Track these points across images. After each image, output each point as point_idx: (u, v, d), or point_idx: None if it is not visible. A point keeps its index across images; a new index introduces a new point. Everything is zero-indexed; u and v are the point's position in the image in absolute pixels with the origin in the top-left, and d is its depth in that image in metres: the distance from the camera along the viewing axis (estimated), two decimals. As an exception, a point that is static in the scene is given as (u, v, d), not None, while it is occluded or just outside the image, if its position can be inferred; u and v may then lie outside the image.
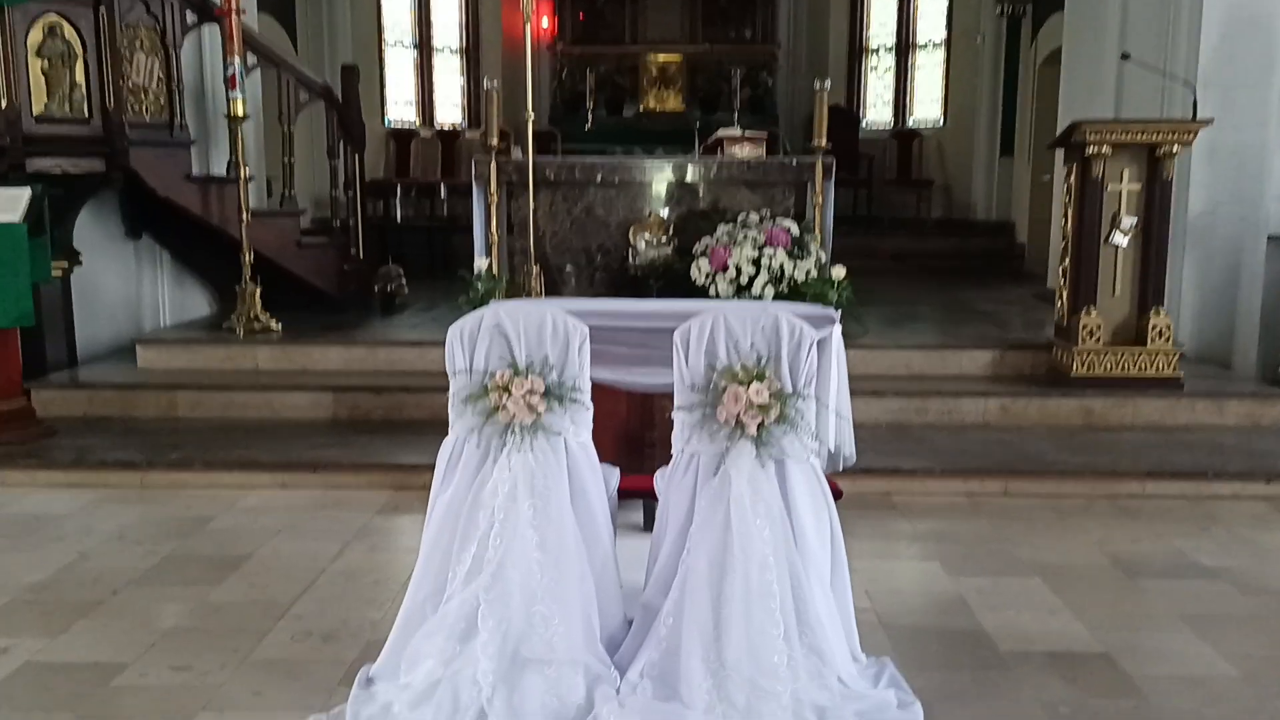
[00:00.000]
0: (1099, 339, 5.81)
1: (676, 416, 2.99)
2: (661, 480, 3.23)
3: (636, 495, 4.08)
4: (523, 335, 2.92)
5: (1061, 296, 6.06)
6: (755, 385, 2.82)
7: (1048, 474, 5.01)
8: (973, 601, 3.73)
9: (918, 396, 5.81)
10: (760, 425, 2.84)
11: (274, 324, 6.76)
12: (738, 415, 2.83)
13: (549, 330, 2.93)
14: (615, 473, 3.34)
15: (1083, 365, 5.80)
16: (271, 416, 5.85)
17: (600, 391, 3.10)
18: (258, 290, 6.78)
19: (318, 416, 5.85)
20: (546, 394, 2.89)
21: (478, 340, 2.94)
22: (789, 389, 2.90)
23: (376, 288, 7.82)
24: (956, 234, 11.62)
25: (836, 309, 4.57)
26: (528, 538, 2.88)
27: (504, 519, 2.88)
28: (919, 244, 11.21)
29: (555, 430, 2.93)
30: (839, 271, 4.71)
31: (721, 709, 2.81)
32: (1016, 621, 3.57)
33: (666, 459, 4.35)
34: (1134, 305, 5.87)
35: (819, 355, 2.98)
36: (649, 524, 4.45)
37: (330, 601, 3.73)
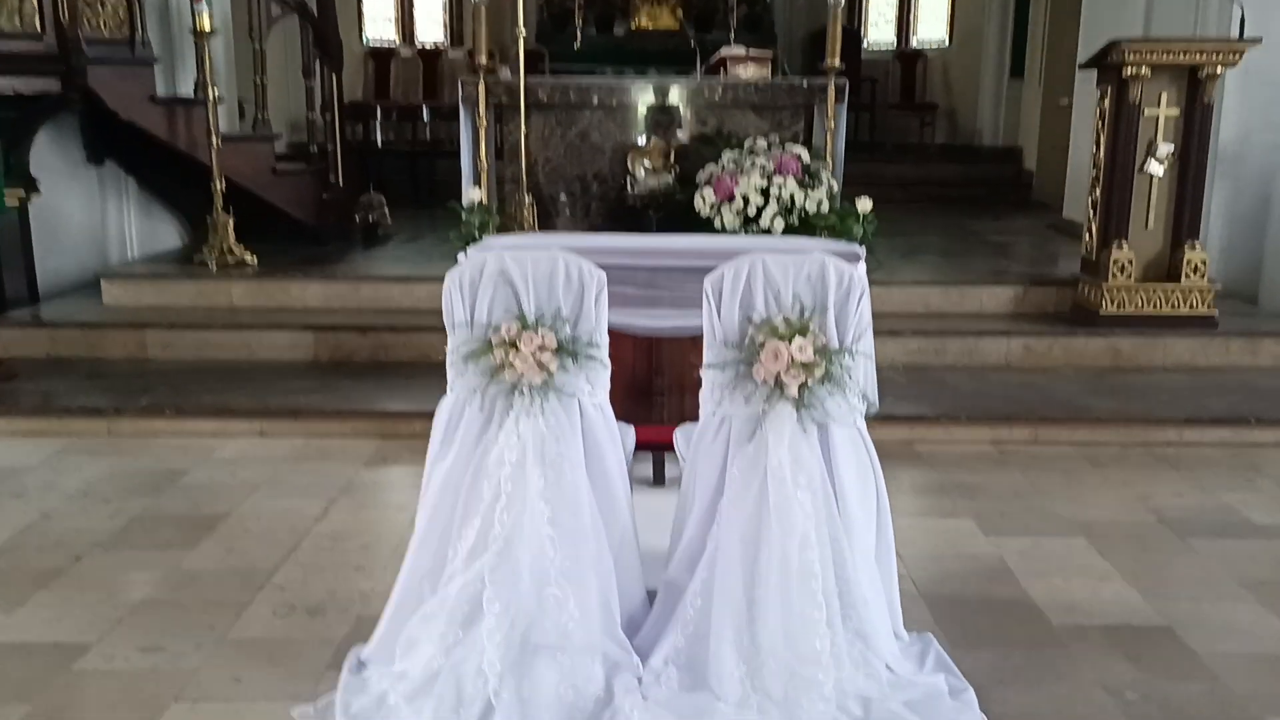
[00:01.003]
0: (1129, 274, 5.47)
1: (705, 375, 2.64)
2: (684, 442, 2.90)
3: (646, 448, 3.77)
4: (531, 283, 2.55)
5: (1090, 229, 5.68)
6: (798, 340, 2.47)
7: (1079, 421, 4.71)
8: (1015, 566, 3.45)
9: (936, 336, 5.48)
10: (802, 385, 2.50)
11: (249, 257, 6.33)
12: (778, 374, 2.49)
13: (561, 277, 2.56)
14: (631, 432, 3.01)
15: (1112, 303, 5.45)
16: (248, 358, 5.47)
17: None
18: (231, 221, 6.35)
19: (298, 358, 5.48)
20: (559, 350, 2.53)
21: (479, 289, 2.56)
22: (835, 344, 2.56)
23: (358, 217, 7.40)
24: (962, 160, 11.18)
25: (862, 245, 4.24)
26: (538, 511, 2.55)
27: (511, 491, 2.54)
28: (923, 171, 10.77)
29: (569, 391, 2.58)
30: (865, 204, 4.33)
31: (756, 700, 2.52)
32: (1066, 589, 3.28)
33: (676, 408, 4.04)
34: (1167, 239, 5.50)
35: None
36: (659, 477, 4.15)
37: (315, 569, 3.41)
